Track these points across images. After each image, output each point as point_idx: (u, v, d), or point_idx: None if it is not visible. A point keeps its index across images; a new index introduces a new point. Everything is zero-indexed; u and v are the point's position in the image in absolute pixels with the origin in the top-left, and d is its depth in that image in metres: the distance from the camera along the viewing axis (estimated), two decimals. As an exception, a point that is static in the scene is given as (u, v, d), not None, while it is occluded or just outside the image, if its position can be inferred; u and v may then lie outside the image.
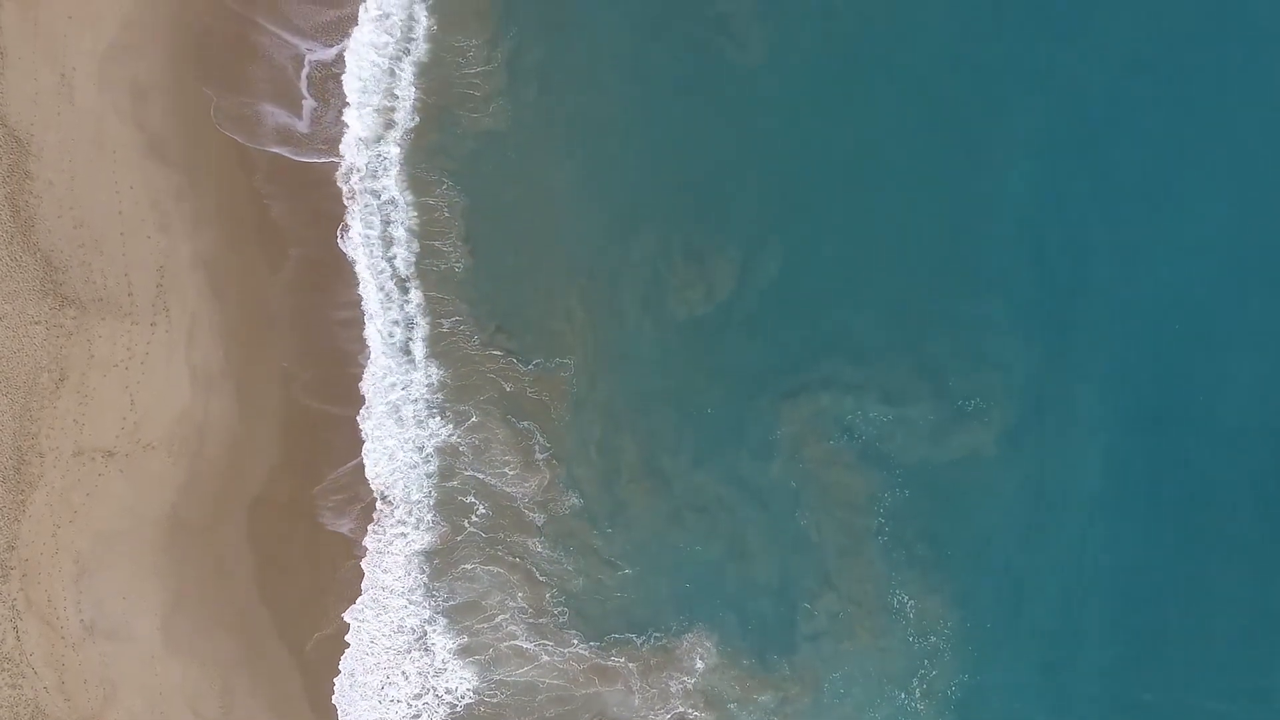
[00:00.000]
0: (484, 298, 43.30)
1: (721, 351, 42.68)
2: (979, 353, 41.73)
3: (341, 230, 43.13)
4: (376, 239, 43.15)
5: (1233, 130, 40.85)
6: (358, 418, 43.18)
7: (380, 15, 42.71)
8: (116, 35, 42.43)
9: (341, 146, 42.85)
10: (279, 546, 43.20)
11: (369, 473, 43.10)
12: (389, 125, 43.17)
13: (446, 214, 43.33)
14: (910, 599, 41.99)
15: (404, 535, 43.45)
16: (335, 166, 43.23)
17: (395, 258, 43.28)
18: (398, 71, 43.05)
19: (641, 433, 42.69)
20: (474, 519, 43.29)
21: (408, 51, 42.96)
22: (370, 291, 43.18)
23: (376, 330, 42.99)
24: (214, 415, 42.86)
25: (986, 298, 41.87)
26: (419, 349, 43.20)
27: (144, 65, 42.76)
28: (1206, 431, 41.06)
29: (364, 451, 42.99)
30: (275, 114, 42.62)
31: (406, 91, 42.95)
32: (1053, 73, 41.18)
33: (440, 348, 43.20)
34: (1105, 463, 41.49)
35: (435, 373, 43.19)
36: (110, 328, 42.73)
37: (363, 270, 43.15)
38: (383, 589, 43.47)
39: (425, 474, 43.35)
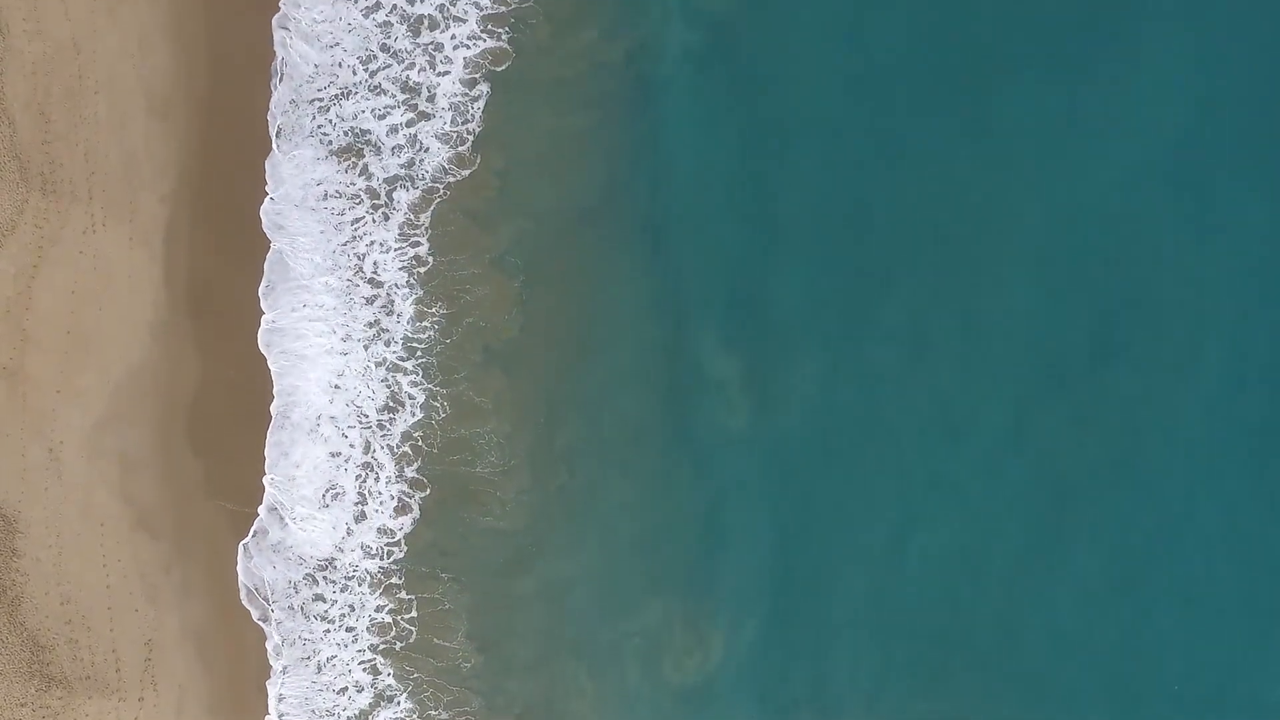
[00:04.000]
0: (495, 690, 42.59)
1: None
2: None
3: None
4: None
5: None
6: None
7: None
8: (105, 407, 42.28)
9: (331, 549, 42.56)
10: None
11: None
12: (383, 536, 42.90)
13: (448, 607, 42.83)
14: None
15: None
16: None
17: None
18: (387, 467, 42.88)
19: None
20: None
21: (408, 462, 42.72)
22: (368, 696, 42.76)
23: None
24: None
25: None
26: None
27: (133, 436, 42.61)
28: None
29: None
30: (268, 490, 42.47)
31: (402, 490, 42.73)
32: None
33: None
34: None
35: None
36: (97, 705, 42.21)
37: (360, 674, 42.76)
38: None
39: None
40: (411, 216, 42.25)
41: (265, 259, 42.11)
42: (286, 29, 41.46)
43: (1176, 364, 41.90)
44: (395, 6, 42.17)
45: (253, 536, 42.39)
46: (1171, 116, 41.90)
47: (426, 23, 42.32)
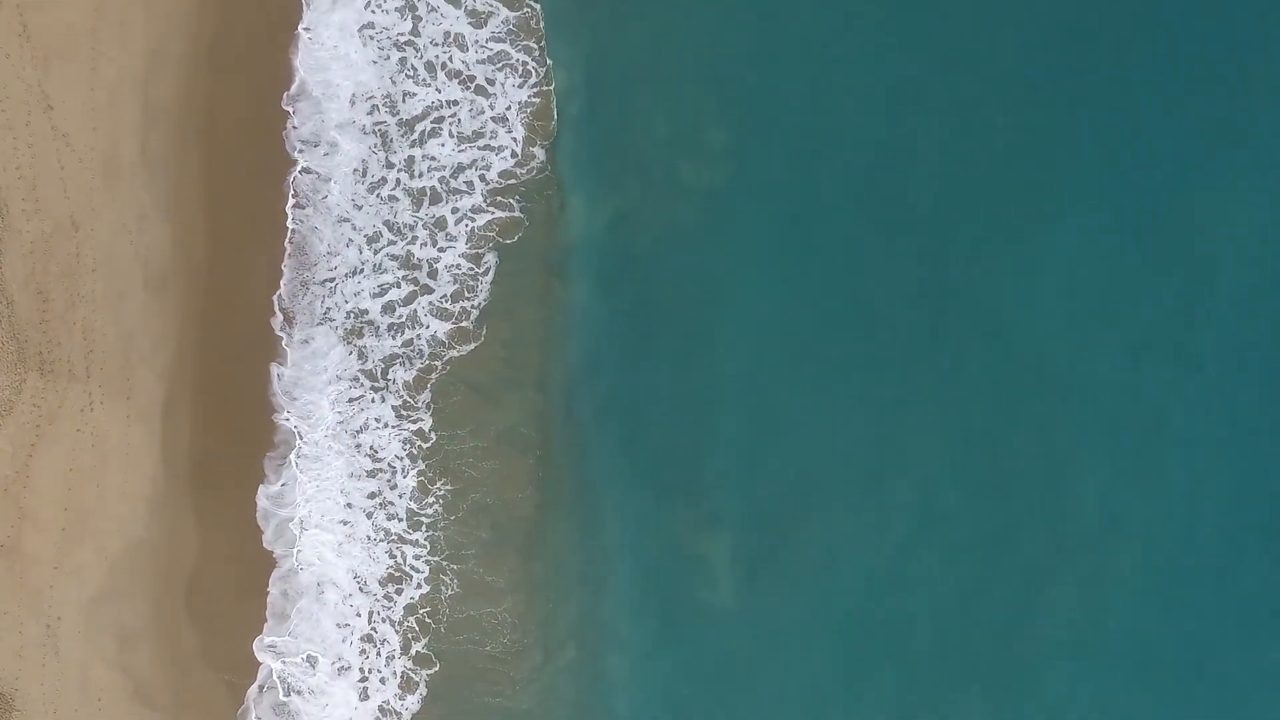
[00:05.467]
0: None
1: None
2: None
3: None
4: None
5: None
6: None
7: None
8: (103, 582, 41.89)
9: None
10: None
11: None
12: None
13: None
14: None
15: None
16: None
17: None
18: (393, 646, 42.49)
19: None
20: None
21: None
22: None
23: None
24: None
25: None
26: None
27: (130, 610, 42.29)
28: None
29: None
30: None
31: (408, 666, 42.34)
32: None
33: None
34: None
35: None
36: None
37: None
38: None
39: None
40: (412, 392, 41.73)
41: (263, 429, 41.74)
42: (303, 207, 41.02)
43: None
44: (399, 181, 41.65)
45: (251, 708, 41.91)
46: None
47: (429, 196, 41.81)
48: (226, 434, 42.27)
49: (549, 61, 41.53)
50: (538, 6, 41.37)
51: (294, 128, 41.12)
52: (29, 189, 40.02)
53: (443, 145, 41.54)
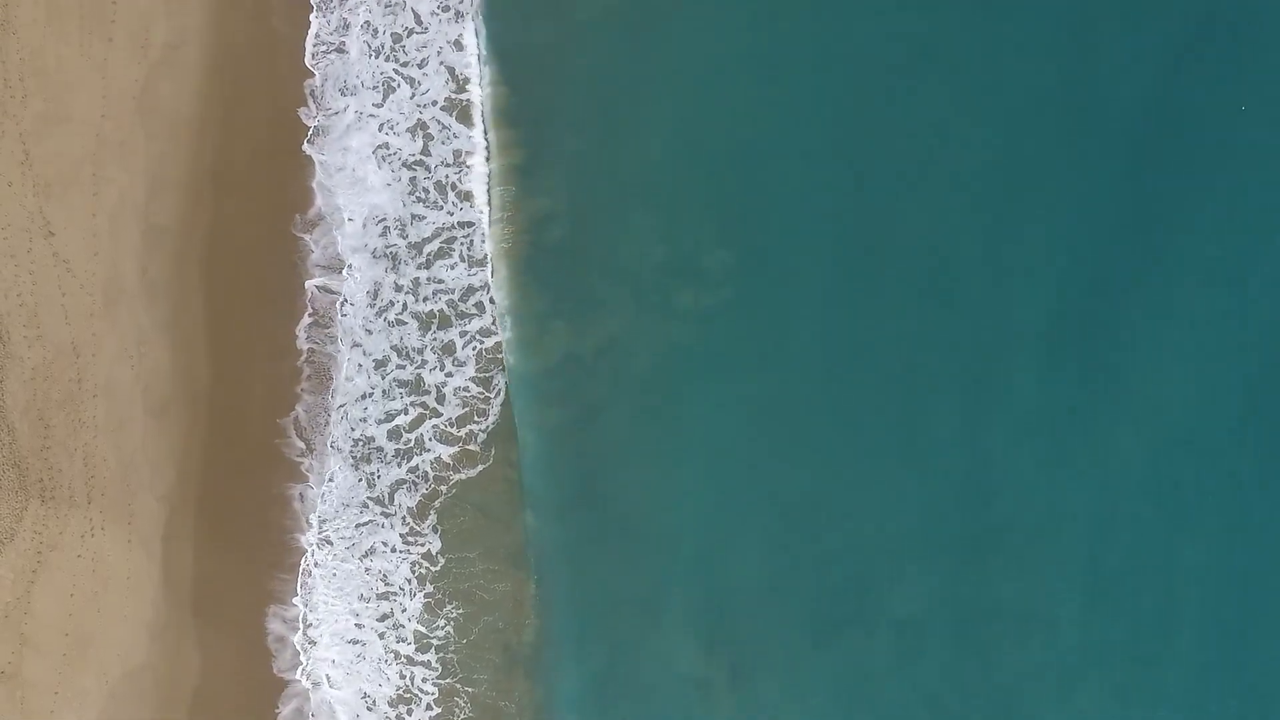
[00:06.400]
0: None
1: None
2: None
3: None
4: None
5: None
6: None
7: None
8: (104, 708, 41.60)
9: None
10: None
11: None
12: None
13: None
14: None
15: None
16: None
17: None
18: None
19: None
20: None
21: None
22: None
23: None
24: None
25: None
26: None
27: (135, 728, 41.72)
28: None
29: None
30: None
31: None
32: None
33: None
34: None
35: None
36: None
37: None
38: None
39: None
40: (417, 518, 41.31)
41: (265, 552, 41.44)
42: (326, 325, 40.46)
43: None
44: (406, 305, 41.08)
45: (255, 833, 41.57)
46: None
47: (438, 320, 41.24)
48: (229, 557, 41.72)
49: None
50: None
51: (311, 251, 40.48)
52: (30, 315, 39.25)
53: (453, 268, 40.90)
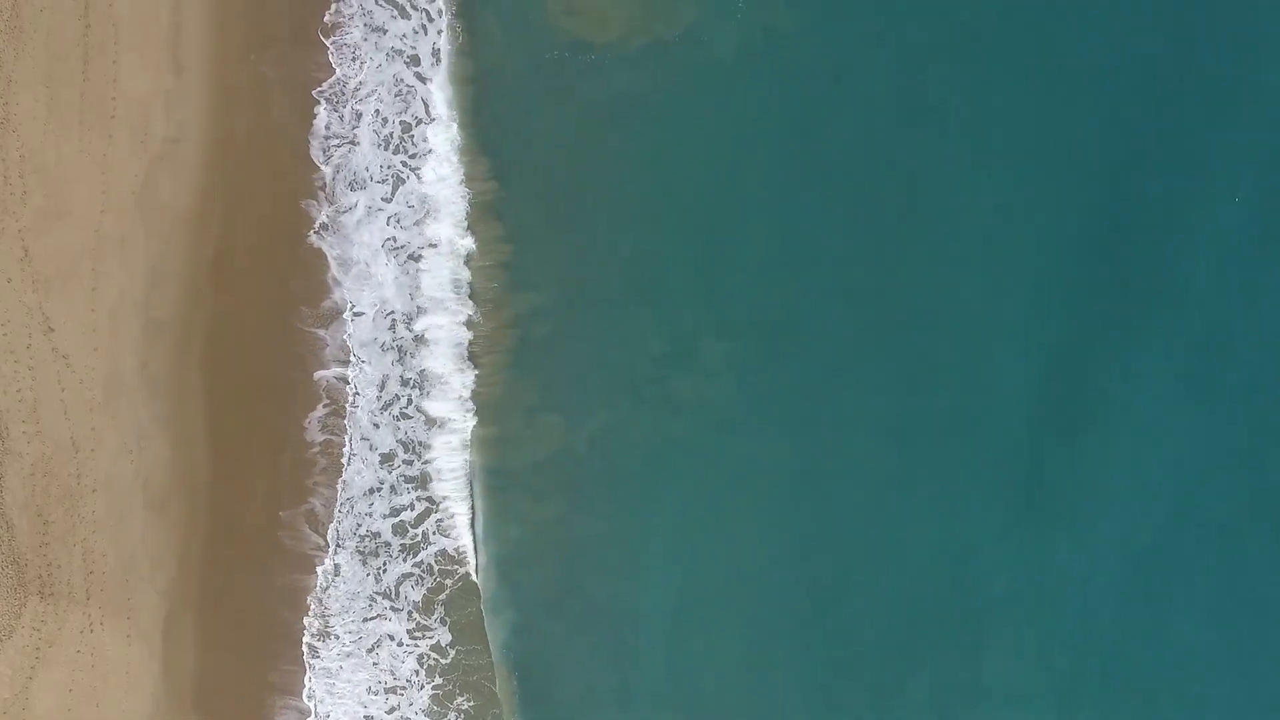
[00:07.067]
0: None
1: None
2: None
3: None
4: None
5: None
6: None
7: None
8: (104, 801, 40.90)
9: None
10: None
11: None
12: None
13: None
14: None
15: None
16: None
17: None
18: None
19: None
20: None
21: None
22: None
23: None
24: None
25: None
26: None
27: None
28: None
29: None
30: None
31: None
32: None
33: None
34: None
35: None
36: None
37: None
38: None
39: None
40: (423, 613, 40.85)
41: (265, 647, 41.09)
42: (342, 415, 40.14)
43: None
44: (412, 399, 40.67)
45: None
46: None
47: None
48: (230, 651, 41.29)
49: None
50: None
51: (325, 344, 40.27)
52: (29, 411, 38.80)
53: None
